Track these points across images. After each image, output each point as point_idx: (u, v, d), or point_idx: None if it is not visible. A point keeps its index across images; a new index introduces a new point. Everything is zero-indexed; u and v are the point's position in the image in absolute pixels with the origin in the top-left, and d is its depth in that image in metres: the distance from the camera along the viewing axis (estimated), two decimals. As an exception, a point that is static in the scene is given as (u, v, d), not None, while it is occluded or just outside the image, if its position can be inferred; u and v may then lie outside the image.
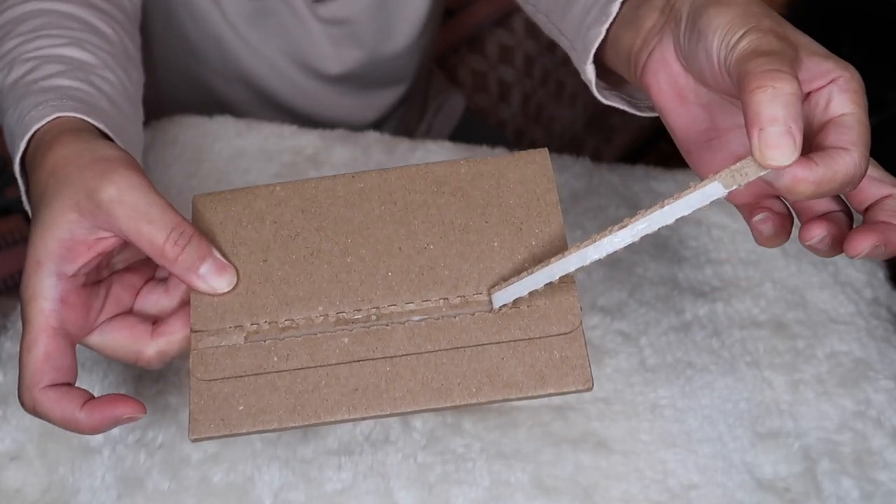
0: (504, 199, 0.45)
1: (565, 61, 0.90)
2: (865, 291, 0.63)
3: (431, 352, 0.42)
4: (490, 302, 0.43)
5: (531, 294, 0.42)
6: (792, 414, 0.55)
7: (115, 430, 0.51)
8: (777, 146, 0.35)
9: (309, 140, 0.72)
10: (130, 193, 0.41)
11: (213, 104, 0.85)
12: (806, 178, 0.36)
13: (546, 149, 0.47)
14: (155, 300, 0.45)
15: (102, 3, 0.59)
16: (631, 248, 0.65)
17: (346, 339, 0.42)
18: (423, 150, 0.71)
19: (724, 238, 0.66)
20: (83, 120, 0.46)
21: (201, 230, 0.44)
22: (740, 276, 0.63)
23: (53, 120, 0.46)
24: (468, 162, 0.46)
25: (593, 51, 0.50)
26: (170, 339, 0.43)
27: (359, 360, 0.42)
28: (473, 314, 0.43)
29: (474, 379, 0.41)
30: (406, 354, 0.42)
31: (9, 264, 0.99)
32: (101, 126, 0.47)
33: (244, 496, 0.49)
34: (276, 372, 0.42)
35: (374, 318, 0.43)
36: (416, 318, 0.43)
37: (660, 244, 0.66)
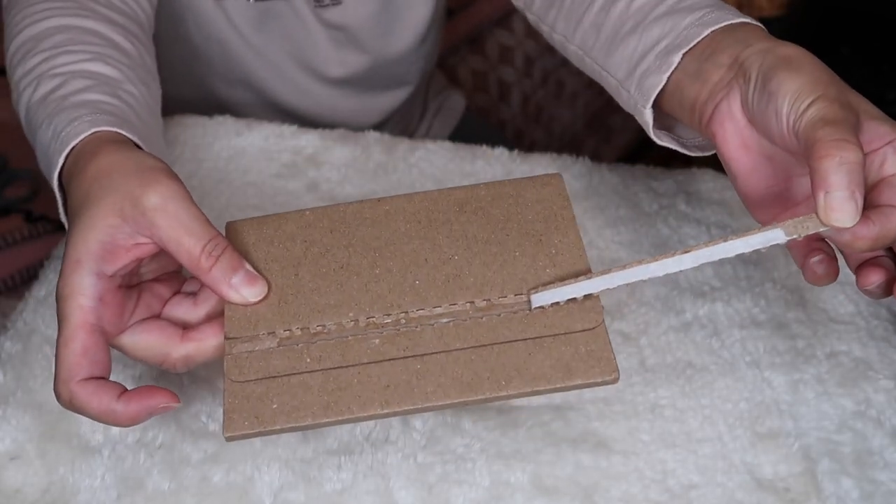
0: (523, 215, 0.48)
1: (565, 61, 0.89)
2: (865, 291, 0.63)
3: (460, 349, 0.43)
4: (528, 302, 0.45)
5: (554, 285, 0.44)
6: (792, 414, 0.55)
7: (115, 431, 0.51)
8: (841, 209, 0.39)
9: (309, 140, 0.72)
10: (172, 203, 0.43)
11: (214, 106, 0.85)
12: (865, 236, 0.40)
13: (560, 174, 0.50)
14: (184, 310, 0.47)
15: (120, 18, 0.61)
16: (631, 249, 0.65)
17: (376, 341, 0.44)
18: (422, 149, 0.71)
19: (724, 238, 0.66)
20: (119, 133, 0.48)
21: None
22: (740, 276, 0.63)
23: (91, 135, 0.47)
24: (487, 184, 0.49)
25: (653, 98, 0.53)
26: (198, 344, 0.45)
27: (389, 359, 0.43)
28: (499, 315, 0.44)
29: (503, 373, 0.42)
30: (435, 352, 0.43)
31: (9, 264, 0.99)
32: (134, 139, 0.49)
33: (244, 496, 0.49)
34: (309, 372, 0.43)
35: (403, 321, 0.44)
36: (444, 320, 0.44)
37: (660, 244, 0.66)
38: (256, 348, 0.44)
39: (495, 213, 0.48)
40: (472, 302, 0.45)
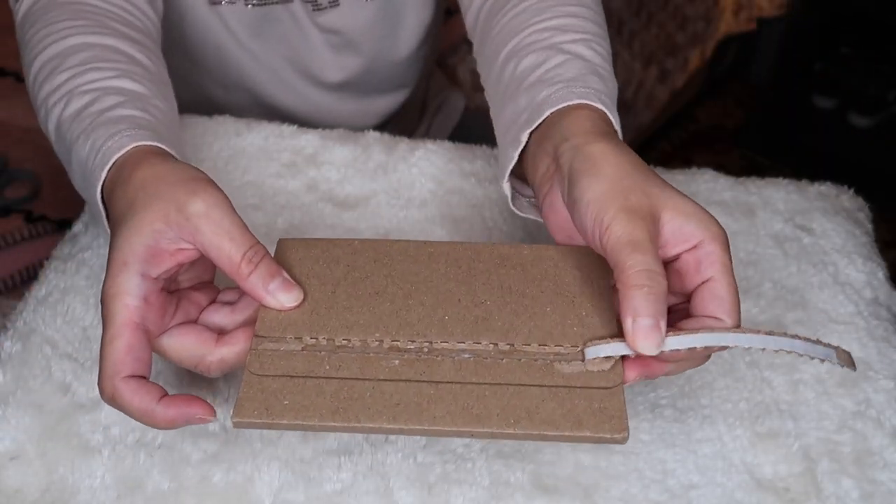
0: (560, 277, 0.49)
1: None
2: (865, 291, 0.63)
3: (476, 384, 0.44)
4: (581, 355, 0.45)
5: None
6: (792, 414, 0.55)
7: (115, 431, 0.51)
8: (647, 337, 0.42)
9: (308, 140, 0.72)
10: (216, 211, 0.45)
11: (213, 110, 0.85)
12: (677, 354, 0.43)
13: None
14: (220, 317, 0.48)
15: (135, 34, 0.62)
16: (631, 248, 0.65)
17: (396, 362, 0.45)
18: (422, 149, 0.71)
19: (724, 238, 0.66)
20: (159, 146, 0.50)
21: (281, 264, 0.48)
22: (740, 277, 0.63)
23: (132, 148, 0.49)
24: (531, 245, 0.51)
25: (507, 173, 0.54)
26: (233, 348, 0.46)
27: (405, 380, 0.44)
28: (520, 360, 0.45)
29: (513, 412, 0.43)
30: (451, 382, 0.44)
31: (9, 264, 0.99)
32: (172, 152, 0.51)
33: (244, 496, 0.49)
34: (326, 378, 0.44)
35: (425, 350, 0.46)
36: (466, 355, 0.46)
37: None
38: (281, 349, 0.45)
39: (534, 272, 0.50)
40: (495, 344, 0.46)
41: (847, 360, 0.43)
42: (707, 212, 0.45)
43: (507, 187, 0.55)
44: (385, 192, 0.68)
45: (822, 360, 0.43)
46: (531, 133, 0.52)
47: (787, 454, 0.52)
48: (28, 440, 0.51)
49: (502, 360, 0.46)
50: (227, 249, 0.45)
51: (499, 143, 0.58)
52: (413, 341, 0.46)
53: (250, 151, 0.70)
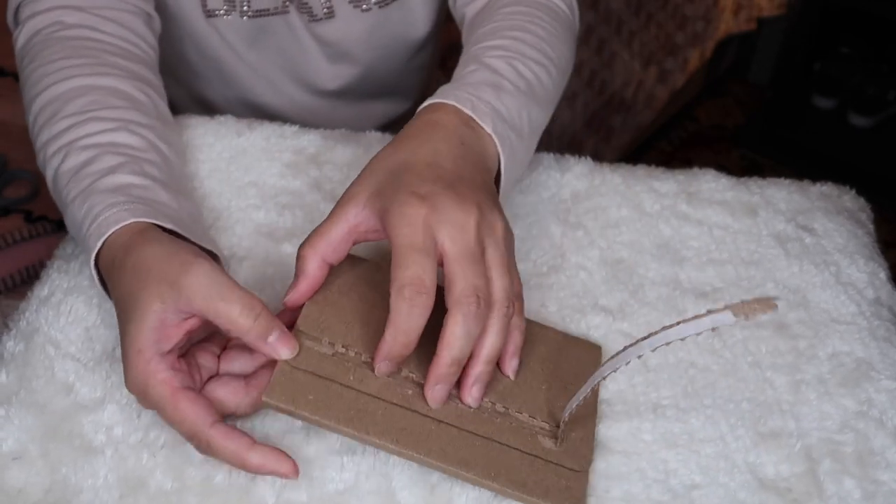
0: (560, 362, 0.55)
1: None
2: (867, 291, 0.63)
3: (470, 432, 0.49)
4: (539, 427, 0.51)
5: (567, 425, 0.50)
6: (794, 414, 0.55)
7: (118, 431, 0.51)
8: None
9: (310, 140, 0.72)
10: (204, 279, 0.47)
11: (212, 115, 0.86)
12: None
13: (601, 347, 0.58)
14: (241, 363, 0.51)
15: (135, 67, 0.64)
16: (633, 249, 0.65)
17: (409, 391, 0.49)
18: (424, 150, 0.71)
19: (726, 238, 0.66)
20: (152, 223, 0.52)
21: (333, 275, 0.52)
22: (742, 277, 0.63)
23: (127, 224, 0.52)
24: (542, 325, 0.57)
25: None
26: (221, 442, 0.47)
27: (413, 411, 0.49)
28: (511, 424, 0.50)
29: (494, 467, 0.48)
30: (450, 424, 0.49)
31: (9, 264, 0.98)
32: (168, 225, 0.53)
33: (246, 496, 0.49)
34: (347, 387, 0.48)
35: None
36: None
37: (661, 244, 0.66)
38: (315, 348, 0.49)
39: (541, 350, 0.55)
40: (493, 403, 0.51)
41: (748, 310, 0.42)
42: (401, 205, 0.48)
43: None
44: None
45: (713, 330, 0.42)
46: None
47: (789, 454, 0.52)
48: (31, 440, 0.51)
49: (497, 419, 0.50)
50: (222, 309, 0.47)
51: None
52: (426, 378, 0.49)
53: (252, 151, 0.70)
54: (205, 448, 0.47)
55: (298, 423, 0.52)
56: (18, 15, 0.66)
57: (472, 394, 0.50)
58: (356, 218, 0.50)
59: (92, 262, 0.53)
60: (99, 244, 0.52)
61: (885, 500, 0.51)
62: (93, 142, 0.57)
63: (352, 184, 0.52)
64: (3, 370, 0.54)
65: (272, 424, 0.52)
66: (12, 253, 0.98)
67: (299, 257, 0.51)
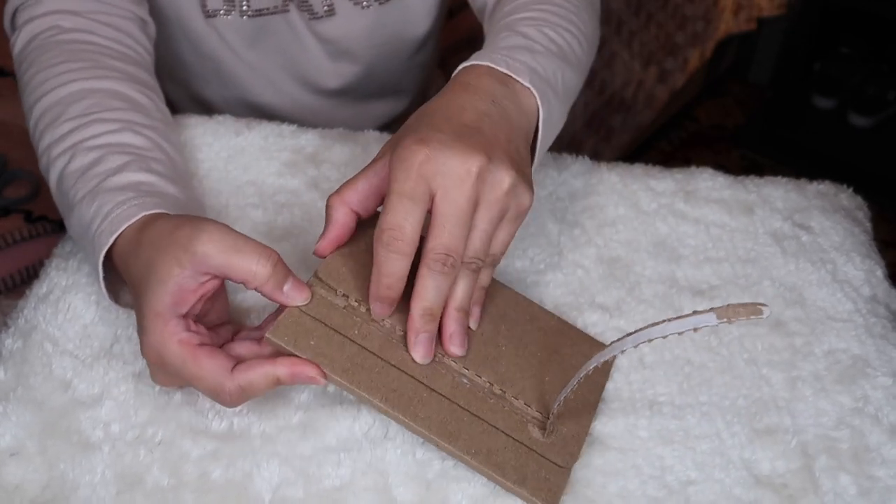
0: (568, 357, 0.55)
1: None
2: (863, 289, 0.63)
3: (461, 407, 0.50)
4: (533, 417, 0.51)
5: (558, 418, 0.51)
6: (790, 410, 0.55)
7: (115, 427, 0.51)
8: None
9: (309, 139, 0.72)
10: (217, 235, 0.48)
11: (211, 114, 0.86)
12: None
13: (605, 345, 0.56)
14: (246, 348, 0.51)
15: (132, 69, 0.64)
16: (630, 247, 0.65)
17: (410, 357, 0.50)
18: (422, 148, 0.71)
19: (723, 236, 0.66)
20: (164, 213, 0.53)
21: (355, 239, 0.53)
22: (739, 275, 0.63)
23: (139, 218, 0.52)
24: (560, 319, 0.58)
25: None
26: (247, 374, 0.48)
27: (409, 374, 0.49)
28: (504, 408, 0.51)
29: (477, 444, 0.49)
30: (443, 395, 0.50)
31: (9, 264, 0.98)
32: (178, 193, 0.56)
33: (243, 492, 0.49)
34: (350, 340, 0.49)
35: (436, 359, 0.51)
36: (464, 380, 0.51)
37: (658, 242, 0.66)
38: (328, 298, 0.50)
39: (551, 341, 0.56)
40: (491, 384, 0.52)
41: (731, 313, 0.42)
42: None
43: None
44: (384, 190, 0.68)
45: (695, 330, 0.42)
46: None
47: (784, 450, 0.53)
48: (28, 437, 0.51)
49: (491, 399, 0.51)
50: (237, 262, 0.48)
51: None
52: None
53: (250, 151, 0.71)
54: (233, 395, 0.48)
55: (295, 420, 0.52)
56: (15, 19, 0.66)
57: (453, 342, 0.51)
58: (383, 169, 0.51)
59: (100, 259, 0.53)
60: (111, 240, 0.52)
61: (880, 496, 0.51)
62: (98, 143, 0.57)
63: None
64: (0, 367, 0.54)
65: (269, 422, 0.52)
66: (12, 253, 0.98)
67: (327, 206, 0.52)
